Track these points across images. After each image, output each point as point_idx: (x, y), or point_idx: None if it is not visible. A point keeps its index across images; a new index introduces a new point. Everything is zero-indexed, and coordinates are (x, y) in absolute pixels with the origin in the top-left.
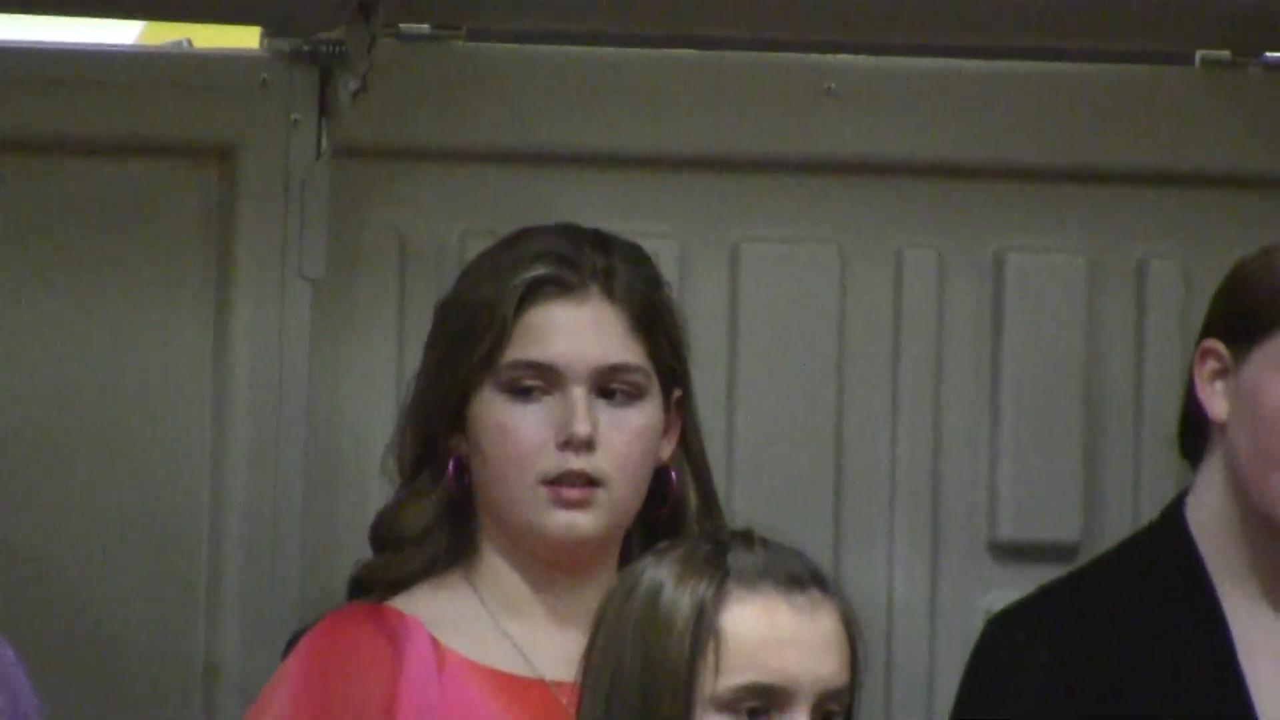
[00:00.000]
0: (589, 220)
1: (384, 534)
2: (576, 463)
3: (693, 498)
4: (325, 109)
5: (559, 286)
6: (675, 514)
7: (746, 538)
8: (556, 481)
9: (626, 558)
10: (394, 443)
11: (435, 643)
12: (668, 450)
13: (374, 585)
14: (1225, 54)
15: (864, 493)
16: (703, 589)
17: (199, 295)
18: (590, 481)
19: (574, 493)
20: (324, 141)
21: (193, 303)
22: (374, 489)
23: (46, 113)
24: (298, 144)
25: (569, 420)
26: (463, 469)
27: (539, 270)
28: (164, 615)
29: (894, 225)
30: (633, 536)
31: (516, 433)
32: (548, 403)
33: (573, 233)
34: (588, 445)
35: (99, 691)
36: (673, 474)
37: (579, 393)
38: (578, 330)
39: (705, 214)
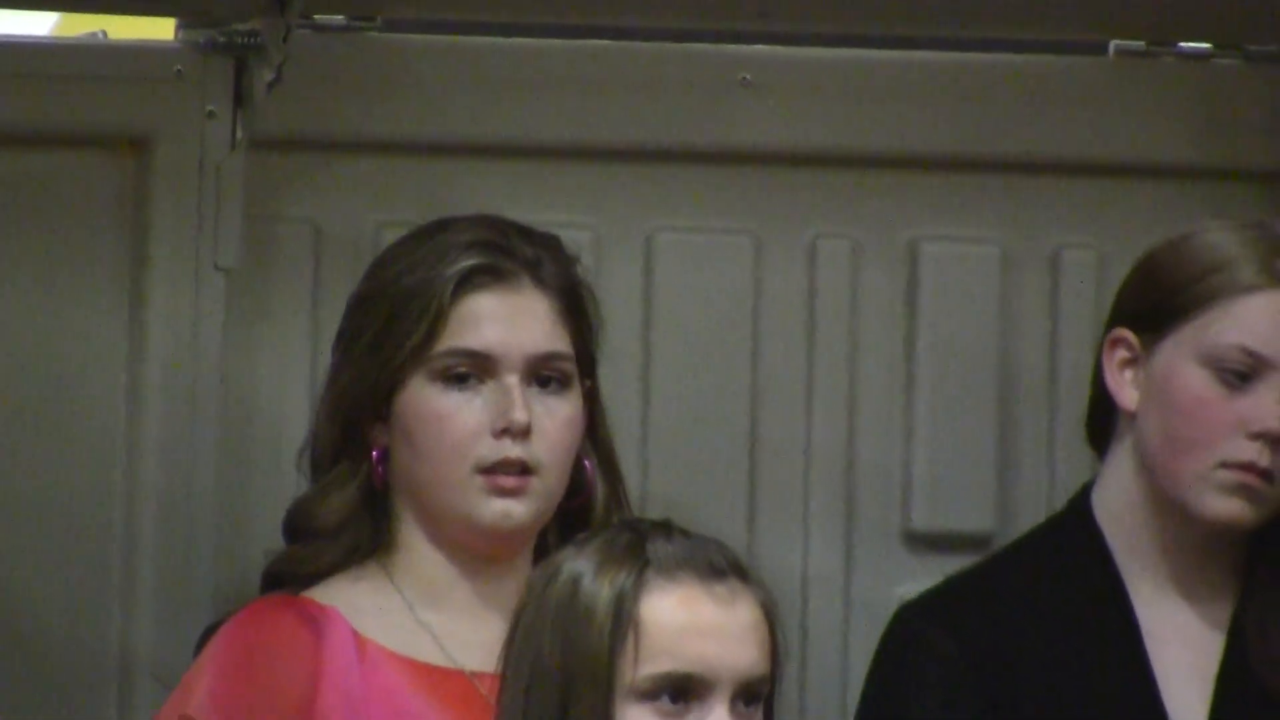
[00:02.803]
0: (504, 210)
1: (300, 525)
2: (514, 450)
3: (601, 487)
4: (240, 100)
5: (492, 275)
6: (586, 504)
7: (666, 528)
8: (492, 470)
9: (541, 548)
10: (309, 436)
11: (355, 633)
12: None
13: (290, 578)
14: (1140, 44)
15: (778, 482)
16: (622, 579)
17: (113, 284)
18: (525, 470)
19: (510, 481)
20: (239, 132)
21: (107, 292)
22: (289, 478)
23: None
24: (213, 135)
25: (507, 408)
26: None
27: (473, 259)
28: (78, 604)
29: (808, 215)
30: (548, 527)
31: (452, 421)
32: (482, 391)
33: (497, 223)
34: (525, 433)
35: (11, 680)
36: (587, 464)
37: (514, 381)
38: (512, 319)
39: (620, 203)
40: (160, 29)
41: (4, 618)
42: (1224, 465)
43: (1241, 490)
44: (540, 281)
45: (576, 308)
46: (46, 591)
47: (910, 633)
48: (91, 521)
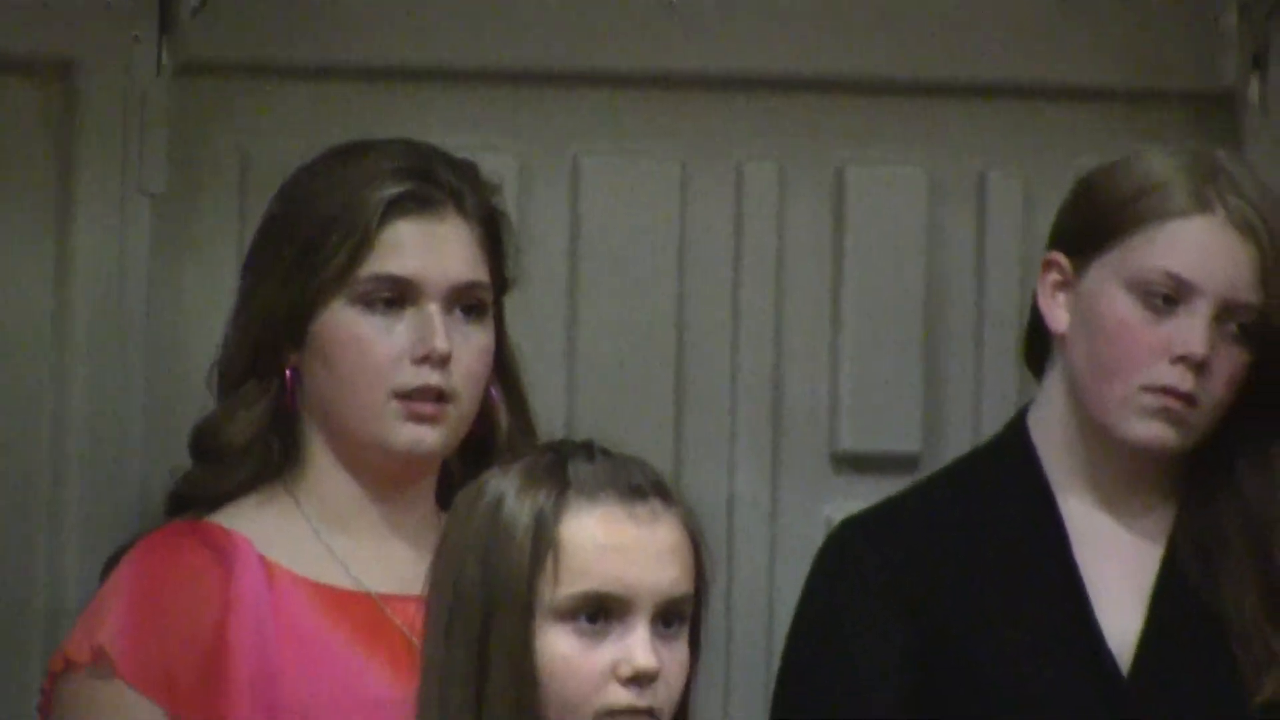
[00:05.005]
0: (431, 135)
1: (206, 444)
2: (433, 378)
3: (505, 414)
4: (166, 25)
5: (418, 202)
6: (490, 430)
7: (587, 449)
8: (410, 396)
9: (444, 474)
10: (219, 355)
11: (262, 558)
12: None
13: (196, 500)
14: None
15: (706, 404)
16: (542, 499)
17: (39, 211)
18: (442, 397)
19: (427, 408)
20: (164, 58)
21: (33, 218)
22: (215, 403)
23: None
24: (138, 60)
25: (428, 336)
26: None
27: (401, 185)
28: (2, 535)
29: (735, 139)
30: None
31: (373, 346)
32: (403, 317)
33: (420, 149)
34: (445, 361)
35: None
36: (492, 391)
37: (435, 309)
38: (437, 247)
39: (546, 128)
40: None
41: None
42: (1146, 389)
43: (1163, 414)
44: (463, 210)
45: (495, 237)
46: None
47: (842, 549)
48: (17, 450)
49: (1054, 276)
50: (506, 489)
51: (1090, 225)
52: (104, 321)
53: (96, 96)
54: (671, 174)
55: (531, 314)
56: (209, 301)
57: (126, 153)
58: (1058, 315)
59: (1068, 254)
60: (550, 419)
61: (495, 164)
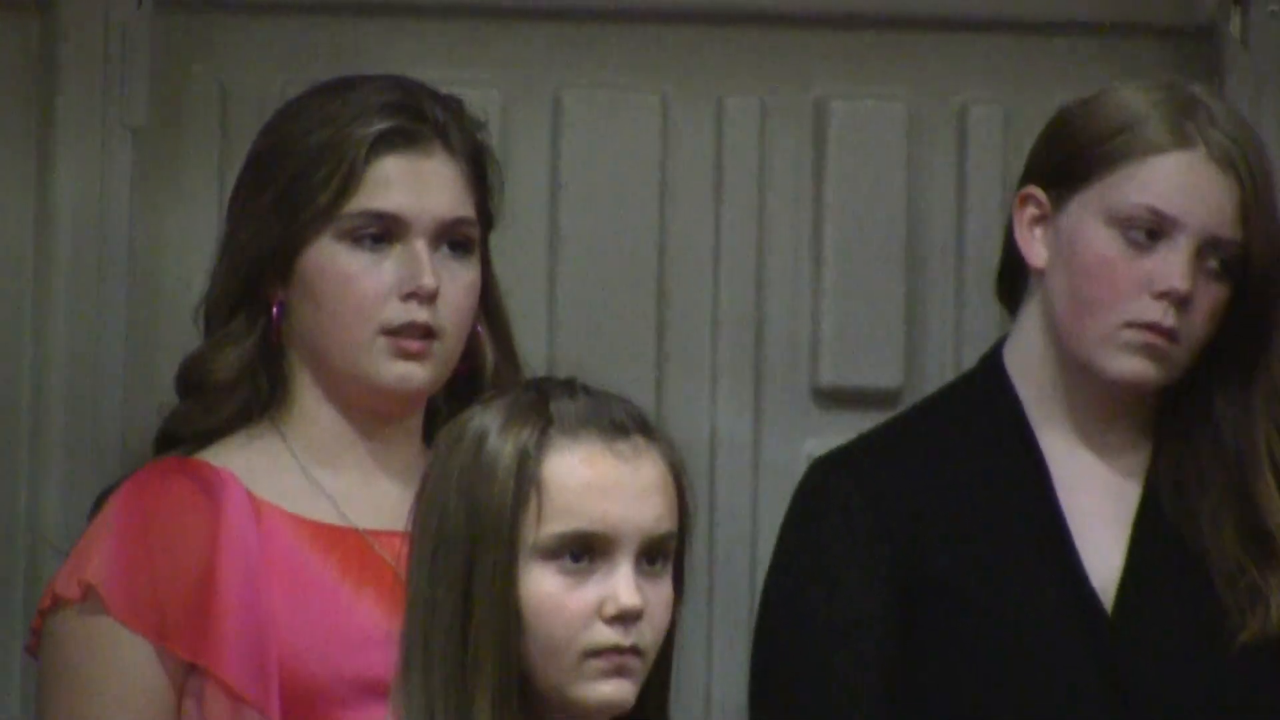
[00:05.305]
0: (412, 70)
1: (194, 380)
2: (420, 314)
3: (491, 352)
4: None
5: (405, 138)
6: (477, 368)
7: (569, 386)
8: (397, 332)
9: (430, 410)
10: (206, 290)
11: (250, 495)
12: None
13: (183, 437)
14: None
15: (687, 339)
16: (525, 437)
17: (20, 145)
18: (429, 333)
19: (415, 344)
20: None
21: (14, 153)
22: (197, 337)
23: None
24: None
25: (417, 272)
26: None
27: (387, 121)
28: None
29: (716, 73)
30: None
31: (360, 281)
32: (390, 253)
33: (407, 84)
34: (432, 297)
35: None
36: (479, 329)
37: (422, 245)
38: (423, 183)
39: (528, 63)
40: None
41: None
42: (1129, 325)
43: (1146, 349)
44: (450, 146)
45: (481, 173)
46: None
47: (821, 485)
48: None
49: (1031, 211)
50: (489, 427)
51: (1069, 161)
52: (85, 255)
53: (77, 30)
54: (652, 108)
55: (513, 249)
56: (190, 235)
57: (107, 87)
58: (1035, 250)
59: (1045, 188)
60: (531, 355)
61: (477, 99)
